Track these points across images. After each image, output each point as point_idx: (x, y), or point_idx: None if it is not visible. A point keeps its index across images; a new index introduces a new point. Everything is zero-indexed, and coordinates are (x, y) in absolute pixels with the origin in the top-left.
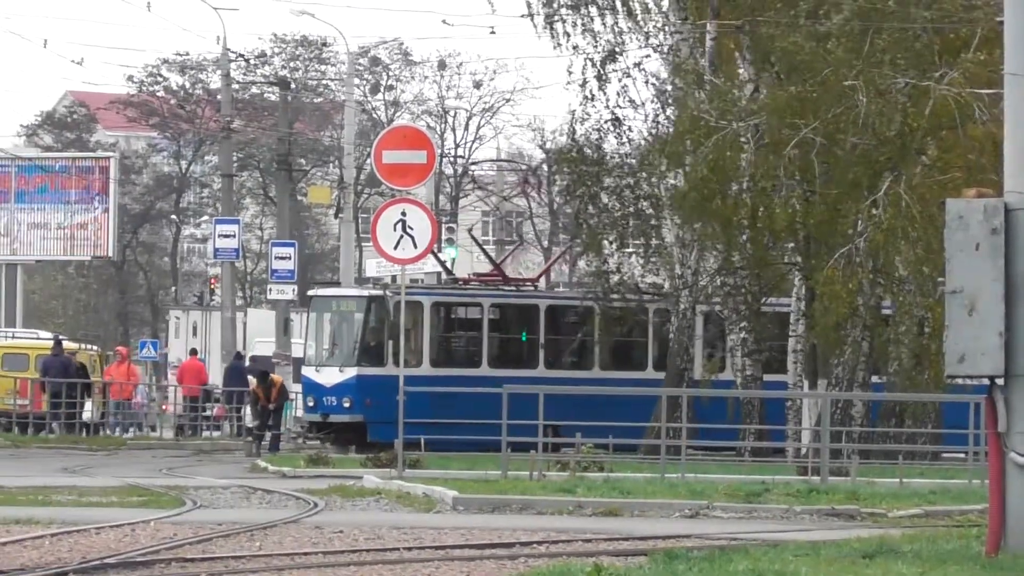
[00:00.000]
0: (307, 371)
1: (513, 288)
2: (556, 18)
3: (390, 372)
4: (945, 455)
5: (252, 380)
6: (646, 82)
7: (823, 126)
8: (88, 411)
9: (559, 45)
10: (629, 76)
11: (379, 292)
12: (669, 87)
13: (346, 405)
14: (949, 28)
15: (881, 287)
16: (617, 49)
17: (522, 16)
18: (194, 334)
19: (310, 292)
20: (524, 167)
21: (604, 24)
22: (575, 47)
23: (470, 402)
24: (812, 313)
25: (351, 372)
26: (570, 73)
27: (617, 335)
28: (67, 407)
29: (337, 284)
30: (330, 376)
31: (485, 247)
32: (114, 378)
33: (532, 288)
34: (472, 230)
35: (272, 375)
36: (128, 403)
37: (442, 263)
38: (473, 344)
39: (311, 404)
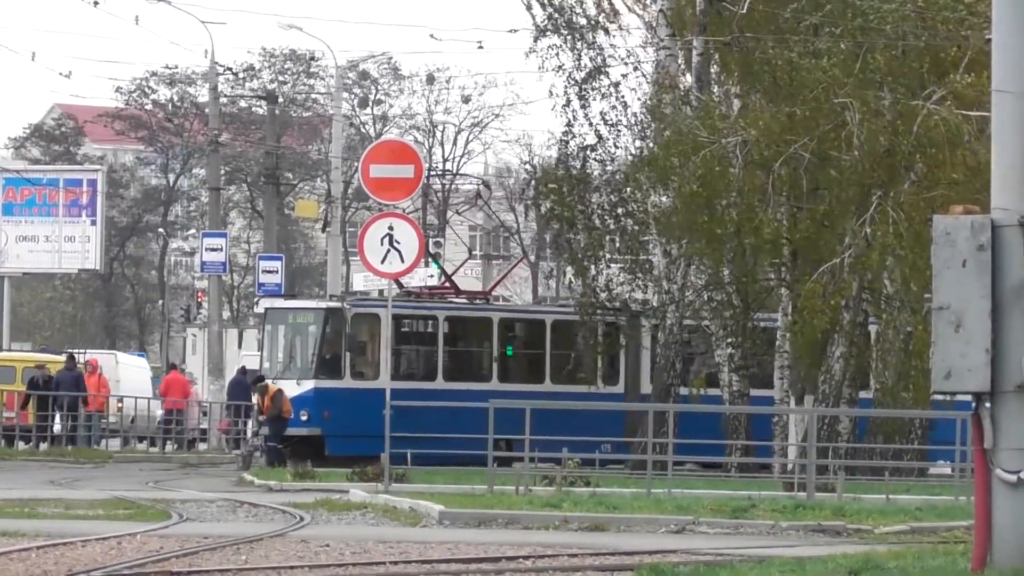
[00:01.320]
0: None
1: (466, 301)
2: (541, 35)
3: (348, 385)
4: (932, 471)
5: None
6: (624, 106)
7: (812, 143)
8: (58, 424)
9: (541, 67)
10: (611, 95)
11: (336, 304)
12: (653, 103)
13: (303, 418)
14: (940, 47)
15: (868, 303)
16: (599, 66)
17: (510, 31)
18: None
19: (265, 304)
20: (479, 181)
21: (586, 41)
22: (560, 67)
23: (429, 415)
24: (792, 328)
25: (308, 385)
26: (551, 94)
27: (569, 350)
28: (72, 420)
29: (293, 296)
30: (287, 389)
31: (459, 260)
32: (86, 389)
33: (484, 301)
34: (436, 242)
35: (269, 384)
36: (100, 415)
37: (443, 270)
38: (429, 357)
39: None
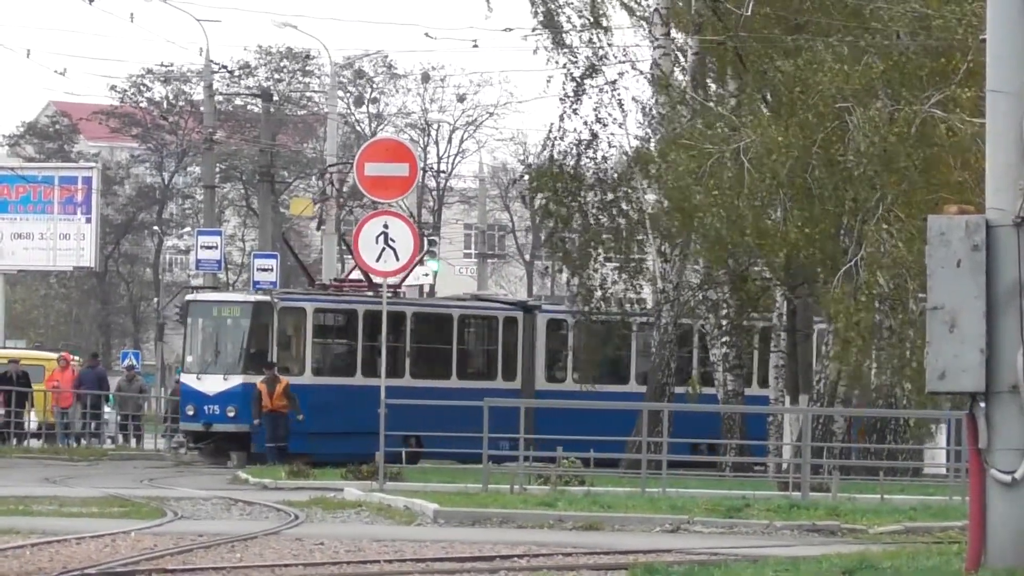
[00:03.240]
0: (186, 379)
1: (390, 294)
2: (535, 33)
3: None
4: (927, 471)
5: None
6: (620, 103)
7: (814, 147)
8: (34, 421)
9: (550, 58)
10: (607, 92)
11: (265, 297)
12: (651, 103)
13: (230, 414)
14: (939, 51)
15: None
16: (596, 64)
17: (505, 30)
18: None
19: (188, 297)
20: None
21: (582, 39)
22: (554, 61)
23: (349, 412)
24: (836, 336)
25: (236, 380)
26: (548, 83)
27: (479, 345)
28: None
29: (216, 288)
30: (213, 384)
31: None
32: (59, 384)
33: (393, 294)
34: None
35: (281, 377)
36: (73, 411)
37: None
38: (349, 352)
39: (191, 413)
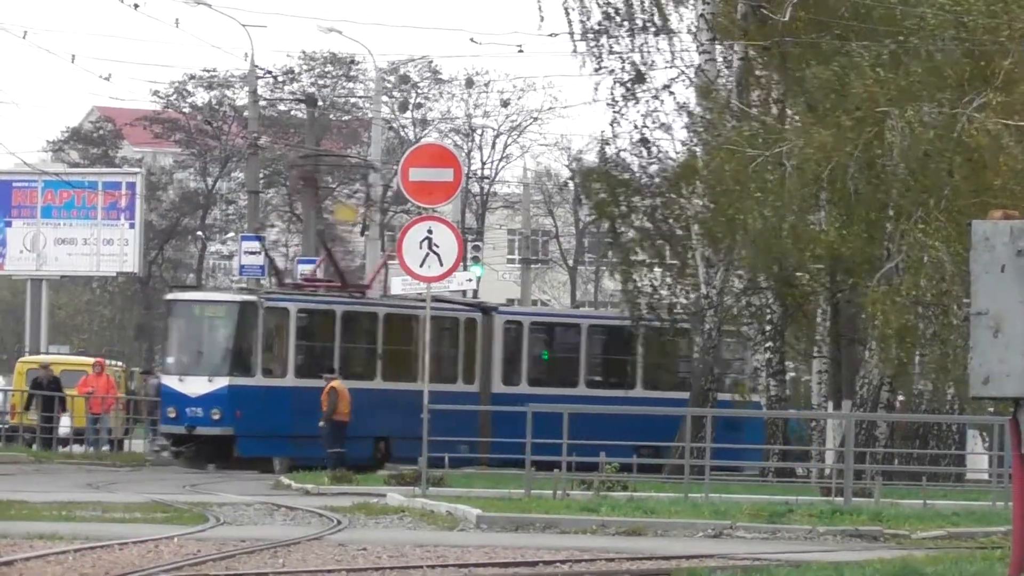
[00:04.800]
0: (168, 380)
1: (359, 295)
2: (587, 38)
3: (260, 383)
4: (969, 477)
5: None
6: (678, 106)
7: (856, 152)
8: (65, 426)
9: (599, 64)
10: (657, 98)
11: (251, 297)
12: (697, 109)
13: (215, 417)
14: (979, 56)
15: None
16: (644, 70)
17: (550, 35)
18: None
19: (169, 296)
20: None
21: (633, 44)
22: (605, 68)
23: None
24: (875, 333)
25: (222, 382)
26: (596, 89)
27: (441, 347)
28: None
29: (195, 287)
30: (196, 386)
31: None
32: (93, 390)
33: (362, 295)
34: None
35: (332, 378)
36: (107, 416)
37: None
38: (328, 354)
39: (172, 415)
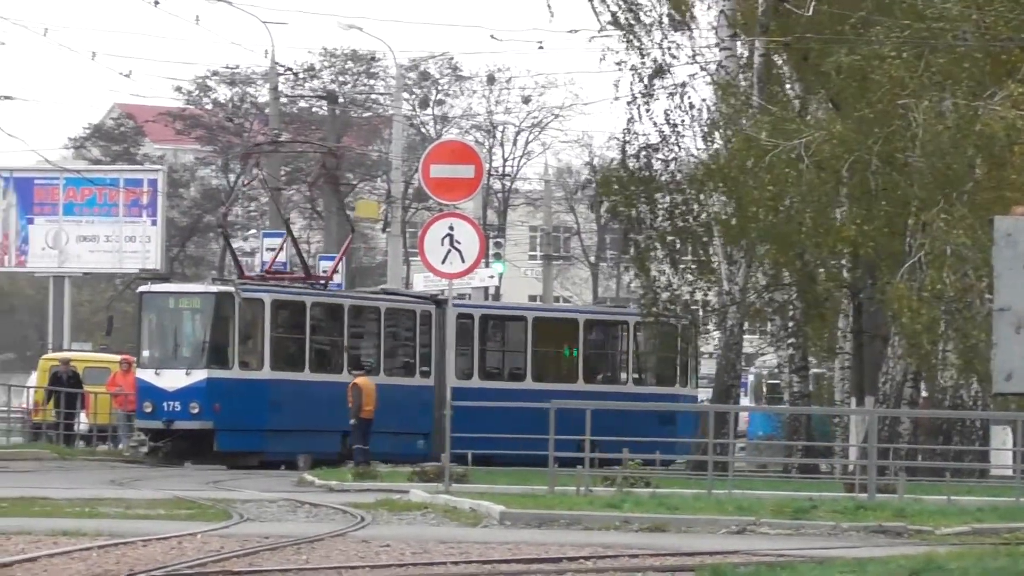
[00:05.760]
0: (144, 374)
1: (320, 285)
2: (604, 33)
3: (238, 376)
4: (993, 473)
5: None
6: (690, 105)
7: (877, 145)
8: (83, 422)
9: (619, 59)
10: (677, 95)
11: (228, 288)
12: (718, 107)
13: (194, 411)
14: (1000, 49)
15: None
16: (665, 67)
17: (570, 32)
18: None
19: (141, 288)
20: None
21: (652, 40)
22: (619, 63)
23: (298, 409)
24: (900, 329)
25: (200, 375)
26: (617, 86)
27: (399, 340)
28: None
29: (166, 279)
30: (174, 379)
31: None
32: (121, 388)
33: (323, 286)
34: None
35: (358, 374)
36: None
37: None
38: (299, 346)
39: (148, 410)
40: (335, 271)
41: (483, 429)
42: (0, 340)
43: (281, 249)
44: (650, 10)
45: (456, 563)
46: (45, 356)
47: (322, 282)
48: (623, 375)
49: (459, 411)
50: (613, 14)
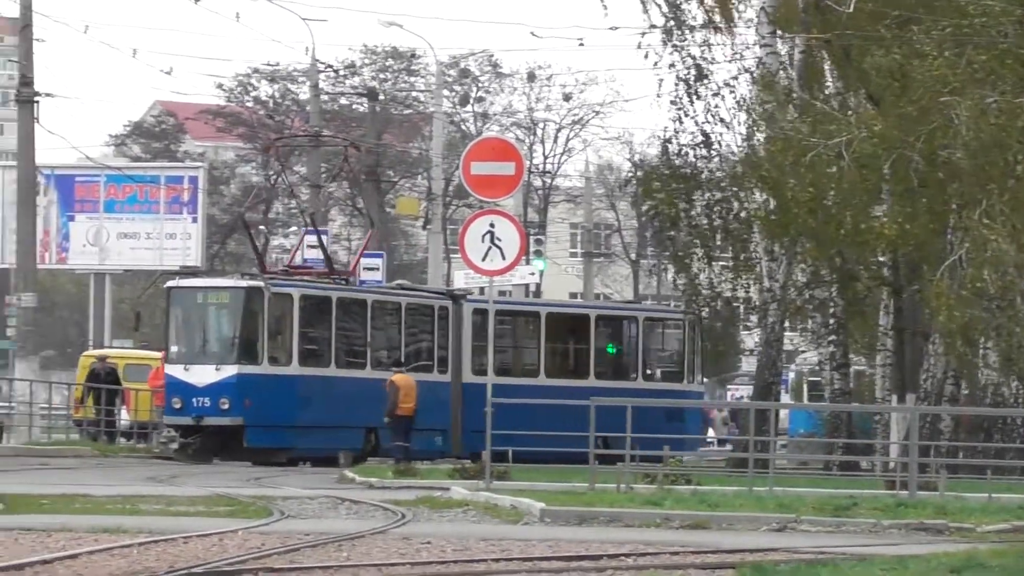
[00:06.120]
0: (172, 369)
1: (342, 281)
2: (645, 31)
3: (267, 371)
4: None
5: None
6: (738, 103)
7: (919, 143)
8: (124, 419)
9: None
10: (719, 95)
11: (258, 283)
12: (759, 106)
13: (224, 407)
14: None
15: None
16: (707, 69)
17: (611, 29)
18: None
19: (169, 283)
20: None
21: (694, 39)
22: (670, 65)
23: (324, 405)
24: (940, 327)
25: (230, 371)
26: (660, 84)
27: (419, 335)
28: None
29: (194, 274)
30: (203, 375)
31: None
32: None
33: (345, 282)
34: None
35: (396, 371)
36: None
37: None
38: (325, 341)
39: (177, 406)
40: (357, 264)
41: (505, 426)
42: (41, 337)
43: (311, 246)
44: (693, 11)
45: (497, 560)
46: (85, 353)
47: (343, 278)
48: (633, 371)
49: (478, 408)
50: (664, 15)
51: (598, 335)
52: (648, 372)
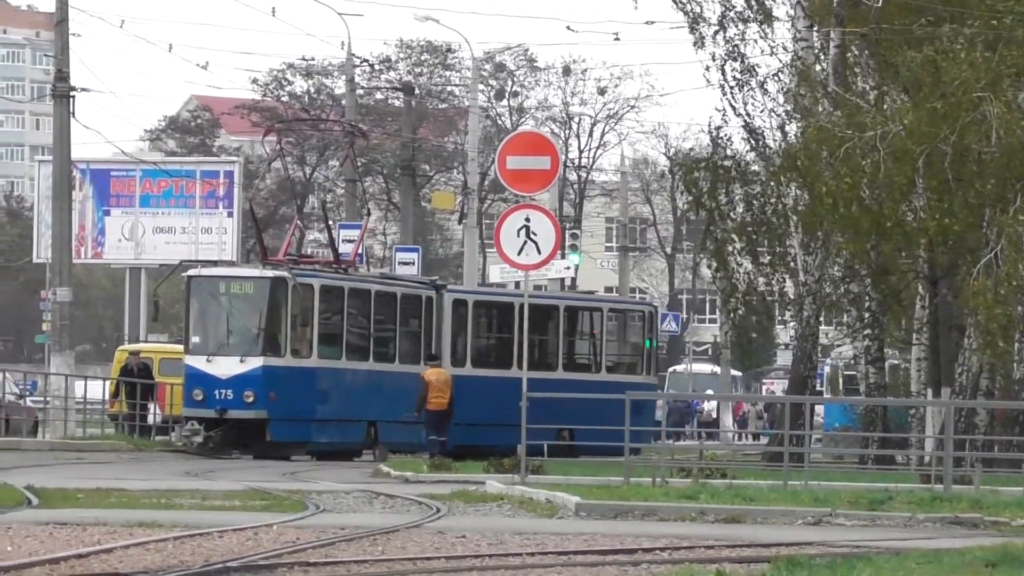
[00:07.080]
0: (193, 361)
1: (343, 270)
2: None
3: (291, 364)
4: None
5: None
6: (786, 92)
7: (952, 137)
8: (155, 414)
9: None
10: (763, 89)
11: (283, 273)
12: (795, 98)
13: (248, 400)
14: None
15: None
16: (750, 62)
17: (646, 23)
18: None
19: (189, 272)
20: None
21: (739, 32)
22: (713, 55)
23: (338, 397)
24: (976, 323)
25: (255, 363)
26: (707, 70)
27: (402, 326)
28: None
29: (215, 264)
30: (227, 367)
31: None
32: None
33: (344, 271)
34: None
35: (430, 366)
36: None
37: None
38: (339, 333)
39: (199, 398)
40: (357, 254)
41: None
42: (77, 332)
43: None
44: (740, 5)
45: (532, 554)
46: (120, 348)
47: (344, 267)
48: (595, 364)
49: (485, 400)
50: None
51: (566, 327)
52: (610, 365)
